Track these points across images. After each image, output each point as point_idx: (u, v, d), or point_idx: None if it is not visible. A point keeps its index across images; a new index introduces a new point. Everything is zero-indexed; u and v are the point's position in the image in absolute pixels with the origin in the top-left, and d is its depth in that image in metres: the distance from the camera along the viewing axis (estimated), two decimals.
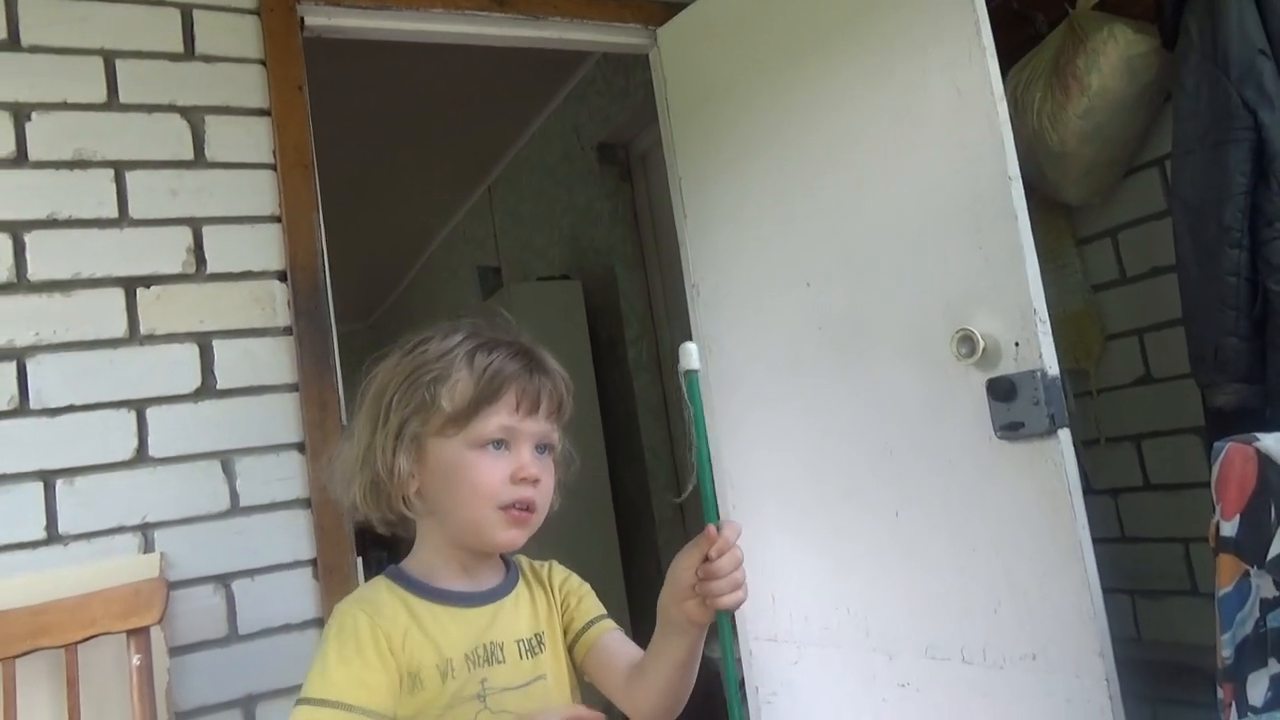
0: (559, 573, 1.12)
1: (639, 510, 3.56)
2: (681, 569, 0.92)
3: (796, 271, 1.86)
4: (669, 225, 2.60)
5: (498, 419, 0.97)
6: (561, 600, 1.10)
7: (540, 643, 1.04)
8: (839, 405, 1.79)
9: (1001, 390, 1.47)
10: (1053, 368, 1.45)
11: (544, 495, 1.00)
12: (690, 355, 0.92)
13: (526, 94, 3.78)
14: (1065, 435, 1.44)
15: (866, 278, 1.72)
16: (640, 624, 3.33)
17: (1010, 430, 1.47)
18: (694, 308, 2.13)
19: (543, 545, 1.08)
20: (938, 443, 1.61)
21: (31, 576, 1.42)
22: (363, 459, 1.00)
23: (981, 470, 1.54)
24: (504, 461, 0.97)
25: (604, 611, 1.11)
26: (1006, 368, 1.49)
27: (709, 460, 0.96)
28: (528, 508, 0.98)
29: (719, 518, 0.91)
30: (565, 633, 1.08)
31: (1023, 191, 1.49)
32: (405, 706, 0.93)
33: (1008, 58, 1.60)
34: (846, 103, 1.74)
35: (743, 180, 1.97)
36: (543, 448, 1.01)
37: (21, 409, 1.47)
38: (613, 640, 1.08)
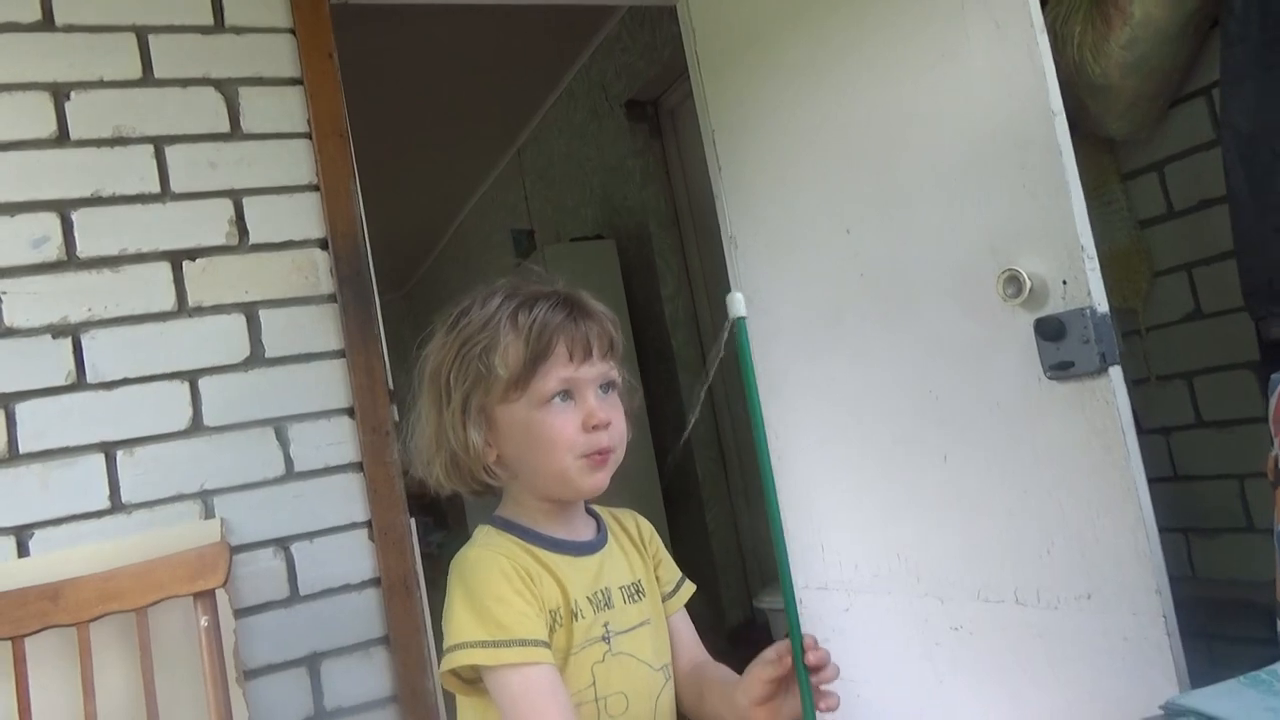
0: (645, 526, 1.17)
1: (682, 467, 3.58)
2: (754, 680, 0.95)
3: (836, 219, 1.83)
4: (701, 180, 2.58)
5: (556, 373, 0.98)
6: (653, 555, 1.14)
7: (639, 590, 1.07)
8: (883, 352, 1.77)
9: (1050, 330, 1.45)
10: (1102, 305, 1.42)
11: (618, 434, 1.02)
12: (738, 303, 0.91)
13: (552, 54, 3.76)
14: (1116, 373, 1.42)
15: (908, 222, 1.69)
16: None
17: (1060, 370, 1.45)
18: (732, 260, 2.12)
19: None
20: (985, 385, 1.59)
21: (98, 545, 1.46)
22: (436, 439, 1.02)
23: (1031, 411, 1.52)
24: (572, 412, 0.99)
25: (680, 575, 1.17)
26: (1054, 307, 1.46)
27: (766, 445, 0.94)
28: (606, 450, 1.00)
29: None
30: None
31: (1066, 126, 1.45)
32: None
33: None
34: (882, 43, 1.70)
35: (778, 130, 1.94)
36: (606, 386, 1.03)
37: (79, 383, 1.50)
38: (678, 622, 1.13)
